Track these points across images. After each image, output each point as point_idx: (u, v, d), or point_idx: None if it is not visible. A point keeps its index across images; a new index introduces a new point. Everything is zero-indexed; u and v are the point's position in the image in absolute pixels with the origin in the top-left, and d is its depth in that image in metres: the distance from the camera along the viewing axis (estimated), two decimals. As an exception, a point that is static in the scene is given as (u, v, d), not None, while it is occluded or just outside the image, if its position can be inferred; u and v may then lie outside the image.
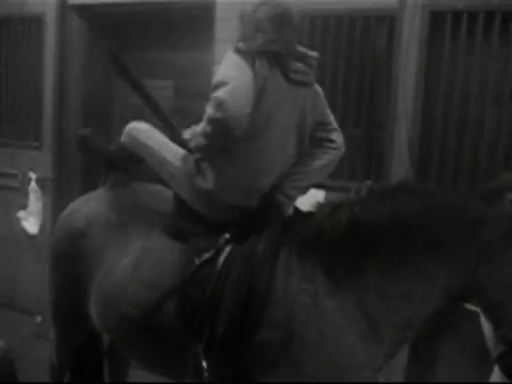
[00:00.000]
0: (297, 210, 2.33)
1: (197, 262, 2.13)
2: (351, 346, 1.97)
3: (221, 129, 2.00)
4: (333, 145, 2.35)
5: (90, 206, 2.56)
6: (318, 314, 1.97)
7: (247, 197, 2.20)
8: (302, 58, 2.24)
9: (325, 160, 2.33)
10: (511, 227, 1.93)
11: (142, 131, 2.43)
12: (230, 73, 2.03)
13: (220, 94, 1.97)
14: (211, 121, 2.01)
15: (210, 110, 2.01)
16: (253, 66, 2.08)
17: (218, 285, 2.07)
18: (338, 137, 2.39)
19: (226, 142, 2.11)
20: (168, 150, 2.33)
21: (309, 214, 2.20)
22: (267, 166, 2.21)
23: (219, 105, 1.96)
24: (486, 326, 2.38)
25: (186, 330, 2.12)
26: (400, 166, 3.22)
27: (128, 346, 2.38)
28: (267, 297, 2.00)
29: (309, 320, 1.97)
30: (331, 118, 2.42)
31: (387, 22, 3.36)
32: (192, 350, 2.10)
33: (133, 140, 2.44)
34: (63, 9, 4.44)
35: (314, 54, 2.28)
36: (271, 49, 2.16)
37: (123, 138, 2.49)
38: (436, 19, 3.18)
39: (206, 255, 2.14)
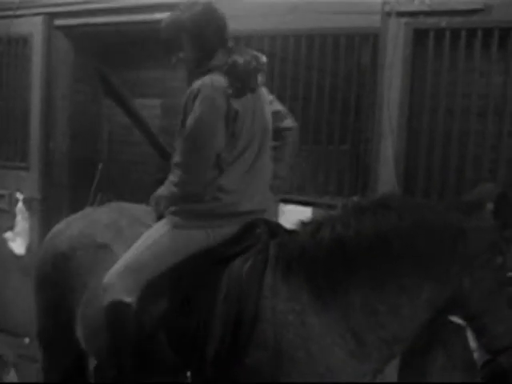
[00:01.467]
0: (281, 228, 2.33)
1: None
2: (340, 364, 1.97)
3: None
4: (288, 133, 2.45)
5: (73, 228, 2.54)
6: (305, 333, 1.98)
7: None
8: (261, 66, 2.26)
9: (287, 152, 2.47)
10: (491, 239, 1.96)
11: None
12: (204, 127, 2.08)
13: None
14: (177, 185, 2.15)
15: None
16: (226, 96, 2.10)
17: (208, 310, 2.07)
18: (290, 121, 2.48)
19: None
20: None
21: (292, 233, 2.21)
22: (256, 183, 2.24)
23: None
24: (472, 339, 2.40)
25: (175, 355, 2.12)
26: (386, 181, 3.24)
27: (112, 370, 2.36)
28: (255, 317, 2.01)
29: (297, 339, 1.97)
30: (279, 104, 2.48)
31: (371, 40, 3.40)
32: (181, 375, 2.10)
33: None
34: (50, 29, 4.46)
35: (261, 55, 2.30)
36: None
37: None
38: (419, 37, 3.22)
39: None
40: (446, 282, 1.94)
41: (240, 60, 2.16)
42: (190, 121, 2.10)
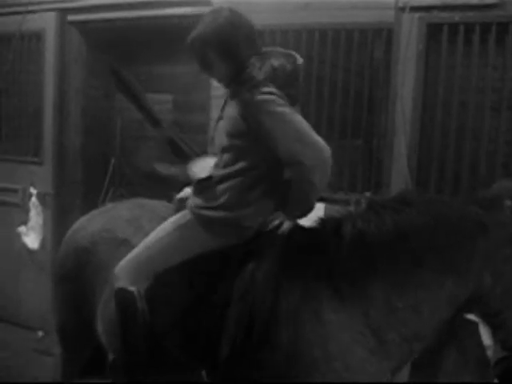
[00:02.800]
0: (298, 226, 2.31)
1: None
2: (359, 362, 1.94)
3: None
4: None
5: (94, 223, 2.55)
6: (322, 330, 1.95)
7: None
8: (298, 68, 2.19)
9: None
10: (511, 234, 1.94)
11: None
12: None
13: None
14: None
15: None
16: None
17: (222, 309, 2.06)
18: None
19: None
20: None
21: (311, 230, 2.17)
22: None
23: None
24: (486, 336, 2.38)
25: (188, 354, 2.12)
26: (399, 176, 3.23)
27: (129, 367, 2.37)
28: (271, 317, 1.98)
29: (313, 337, 1.95)
30: None
31: (385, 35, 3.38)
32: (196, 374, 2.11)
33: None
34: (62, 25, 4.47)
35: None
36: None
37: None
38: (433, 31, 3.20)
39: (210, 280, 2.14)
40: (468, 277, 1.93)
41: (275, 63, 2.05)
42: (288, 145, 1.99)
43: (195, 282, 2.15)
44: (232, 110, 2.07)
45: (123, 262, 2.24)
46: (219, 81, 2.20)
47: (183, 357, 2.13)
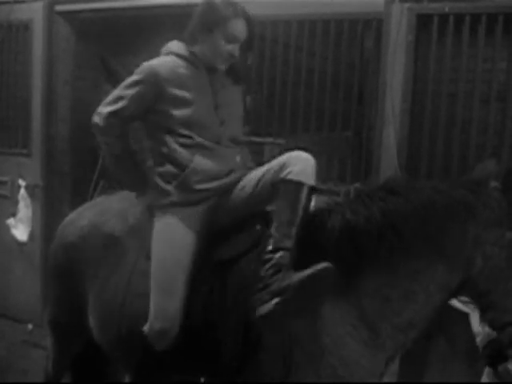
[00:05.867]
0: None
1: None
2: (354, 355, 1.94)
3: None
4: None
5: (83, 218, 2.53)
6: (316, 325, 1.94)
7: None
8: None
9: None
10: (499, 215, 1.94)
11: None
12: None
13: None
14: None
15: None
16: None
17: (216, 310, 2.05)
18: None
19: None
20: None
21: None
22: None
23: None
24: (475, 324, 2.40)
25: (186, 359, 2.11)
26: (389, 167, 3.23)
27: (122, 364, 2.36)
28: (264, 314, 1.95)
29: (307, 332, 1.94)
30: None
31: (374, 26, 3.37)
32: (194, 379, 2.11)
33: None
34: (50, 15, 4.42)
35: None
36: None
37: None
38: (422, 22, 3.19)
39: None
40: (459, 262, 1.93)
41: None
42: None
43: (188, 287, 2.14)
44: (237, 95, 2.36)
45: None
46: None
47: (181, 361, 2.12)
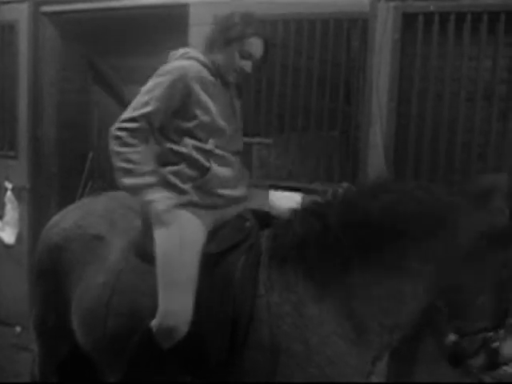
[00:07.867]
0: (271, 218, 2.31)
1: None
2: (341, 355, 1.94)
3: None
4: None
5: (67, 219, 2.53)
6: (303, 324, 1.94)
7: None
8: None
9: None
10: (489, 221, 1.92)
11: None
12: None
13: None
14: None
15: None
16: None
17: (202, 309, 2.04)
18: None
19: None
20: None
21: (284, 223, 2.17)
22: None
23: None
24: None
25: (173, 358, 2.09)
26: (376, 166, 3.24)
27: (108, 367, 2.35)
28: (252, 317, 1.97)
29: (294, 331, 1.94)
30: None
31: (360, 24, 3.38)
32: (181, 378, 2.09)
33: None
34: (36, 16, 4.38)
35: None
36: None
37: None
38: (408, 21, 3.20)
39: None
40: (445, 266, 1.93)
41: None
42: None
43: None
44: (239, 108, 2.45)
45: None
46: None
47: (167, 361, 2.11)
